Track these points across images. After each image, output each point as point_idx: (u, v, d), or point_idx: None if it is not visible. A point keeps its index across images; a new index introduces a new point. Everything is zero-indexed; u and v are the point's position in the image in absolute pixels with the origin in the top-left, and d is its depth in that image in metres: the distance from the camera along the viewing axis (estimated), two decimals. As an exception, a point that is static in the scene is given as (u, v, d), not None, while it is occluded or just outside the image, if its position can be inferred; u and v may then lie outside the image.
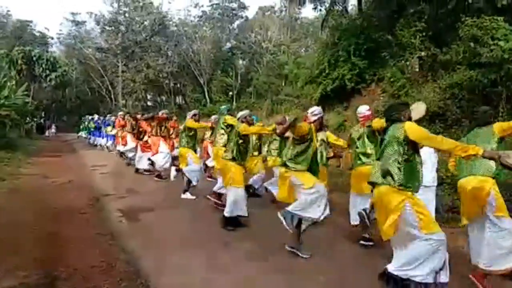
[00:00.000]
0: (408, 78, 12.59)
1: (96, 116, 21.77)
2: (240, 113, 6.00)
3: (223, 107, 7.72)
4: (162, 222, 5.97)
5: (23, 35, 38.26)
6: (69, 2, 71.78)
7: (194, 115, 7.85)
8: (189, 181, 7.53)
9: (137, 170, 10.83)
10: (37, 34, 41.05)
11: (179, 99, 40.38)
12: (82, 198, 7.50)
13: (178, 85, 38.09)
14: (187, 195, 7.56)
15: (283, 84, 27.40)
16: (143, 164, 10.56)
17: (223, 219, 5.52)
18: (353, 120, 13.56)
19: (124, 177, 10.28)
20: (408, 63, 12.76)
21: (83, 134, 24.31)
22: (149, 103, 41.21)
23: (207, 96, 33.42)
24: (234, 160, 5.60)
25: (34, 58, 25.35)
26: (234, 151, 5.60)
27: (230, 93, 33.87)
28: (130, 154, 12.33)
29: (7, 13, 38.04)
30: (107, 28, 35.62)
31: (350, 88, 14.97)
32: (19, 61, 24.50)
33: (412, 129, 3.20)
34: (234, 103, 31.53)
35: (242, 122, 5.80)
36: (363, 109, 5.48)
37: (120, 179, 9.88)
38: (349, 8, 18.70)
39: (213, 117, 8.97)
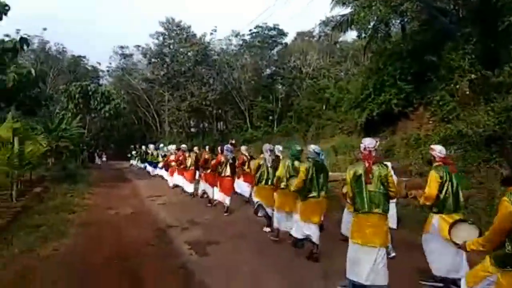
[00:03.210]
0: (458, 101, 12.33)
1: (151, 146, 22.54)
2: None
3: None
4: (232, 255, 6.15)
5: (77, 70, 40.75)
6: (118, 37, 76.05)
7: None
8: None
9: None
10: (90, 68, 43.63)
11: (220, 125, 41.21)
12: (148, 230, 7.86)
13: (220, 112, 38.96)
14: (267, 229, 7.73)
15: (324, 108, 27.45)
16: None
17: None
18: (401, 146, 13.40)
19: (182, 208, 10.63)
20: (457, 86, 12.50)
21: (134, 162, 25.09)
22: (192, 130, 42.36)
23: (248, 122, 33.94)
24: None
25: (90, 92, 26.92)
26: None
27: (271, 117, 34.24)
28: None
29: (63, 50, 40.75)
30: (153, 60, 37.21)
31: (397, 112, 14.82)
32: (77, 95, 26.07)
33: None
34: (275, 127, 31.84)
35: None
36: (444, 150, 5.09)
37: (178, 210, 10.25)
38: (392, 32, 18.60)
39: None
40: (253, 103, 34.07)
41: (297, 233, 6.10)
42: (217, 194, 10.12)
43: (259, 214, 7.83)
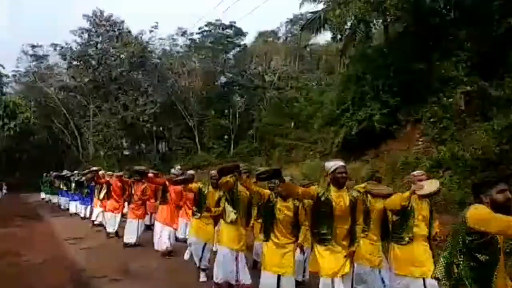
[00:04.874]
0: (453, 118, 12.90)
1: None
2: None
3: None
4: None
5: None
6: (28, 33, 74.04)
7: None
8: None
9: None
10: (-11, 72, 42.16)
11: (162, 147, 40.80)
12: (66, 282, 7.54)
13: (162, 129, 38.59)
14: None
15: (292, 125, 27.90)
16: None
17: None
18: (386, 172, 13.73)
19: (111, 253, 10.31)
20: (451, 100, 13.11)
21: (46, 196, 24.78)
22: (126, 152, 41.59)
23: (197, 142, 33.83)
24: None
25: (-12, 105, 25.98)
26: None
27: (226, 136, 34.32)
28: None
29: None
30: (75, 62, 36.59)
31: (381, 131, 15.26)
32: (-31, 108, 25.08)
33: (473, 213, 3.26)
34: (231, 149, 31.91)
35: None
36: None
37: (107, 255, 9.93)
38: (374, 34, 19.35)
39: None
40: (204, 118, 34.12)
41: None
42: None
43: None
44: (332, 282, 4.81)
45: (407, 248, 5.50)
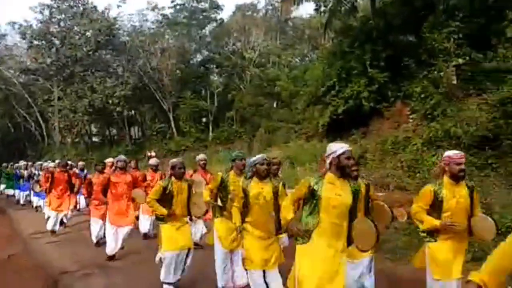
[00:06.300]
0: (444, 93, 13.04)
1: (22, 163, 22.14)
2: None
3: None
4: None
5: None
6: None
7: None
8: None
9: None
10: None
11: (135, 132, 40.57)
12: (34, 279, 7.52)
13: (134, 113, 38.28)
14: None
15: (274, 105, 27.97)
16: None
17: None
18: (375, 152, 13.89)
19: (80, 246, 10.28)
20: (442, 73, 13.23)
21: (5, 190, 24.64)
22: (94, 139, 41.28)
23: (173, 126, 33.68)
24: None
25: None
26: None
27: (204, 119, 34.23)
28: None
29: None
30: (36, 42, 35.84)
31: (369, 109, 15.39)
32: None
33: None
34: (210, 133, 31.86)
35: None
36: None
37: (76, 249, 9.90)
38: (359, 5, 19.35)
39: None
40: (180, 101, 33.89)
41: None
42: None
43: None
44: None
45: (444, 245, 4.82)
